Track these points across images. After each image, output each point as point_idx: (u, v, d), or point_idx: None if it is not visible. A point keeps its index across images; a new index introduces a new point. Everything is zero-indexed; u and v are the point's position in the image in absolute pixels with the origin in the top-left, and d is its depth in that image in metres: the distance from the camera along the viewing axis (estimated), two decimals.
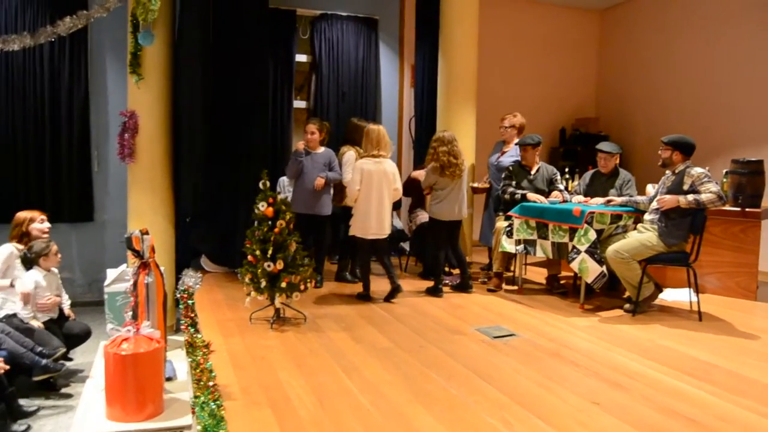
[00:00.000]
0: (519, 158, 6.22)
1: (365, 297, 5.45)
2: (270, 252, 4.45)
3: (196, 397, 2.91)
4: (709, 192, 4.84)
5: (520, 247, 5.70)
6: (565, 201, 5.82)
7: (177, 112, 6.21)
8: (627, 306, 5.26)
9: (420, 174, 6.15)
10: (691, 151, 5.09)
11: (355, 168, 5.34)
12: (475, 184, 7.07)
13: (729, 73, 7.75)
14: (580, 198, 5.77)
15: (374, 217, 5.29)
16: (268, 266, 4.45)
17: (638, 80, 9.16)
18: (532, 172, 6.06)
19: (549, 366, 3.83)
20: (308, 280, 4.60)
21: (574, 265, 5.18)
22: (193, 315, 4.44)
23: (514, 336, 4.44)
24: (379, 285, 5.72)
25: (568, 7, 9.53)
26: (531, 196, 5.83)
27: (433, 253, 5.70)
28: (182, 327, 4.40)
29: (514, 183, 6.08)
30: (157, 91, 6.03)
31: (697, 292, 5.05)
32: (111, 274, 3.66)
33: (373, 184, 5.26)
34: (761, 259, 5.74)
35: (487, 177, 6.95)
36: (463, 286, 5.79)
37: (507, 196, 6.01)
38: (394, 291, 5.38)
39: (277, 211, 4.56)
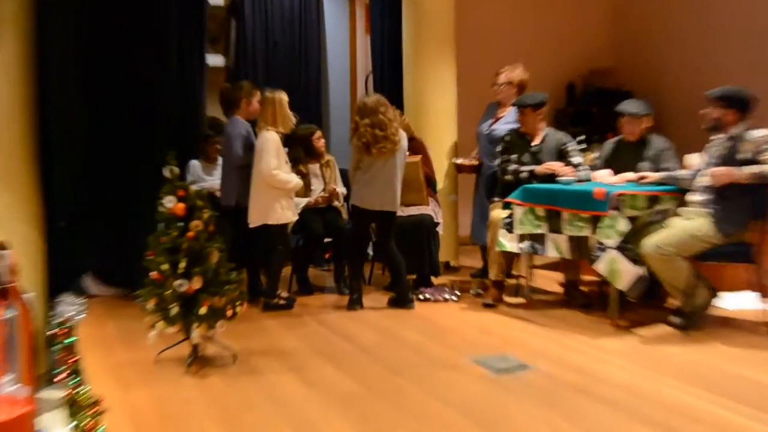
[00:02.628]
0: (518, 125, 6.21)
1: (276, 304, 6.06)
2: (183, 265, 4.37)
3: None
4: None
5: (525, 245, 5.69)
6: (582, 180, 5.80)
7: (43, 76, 6.01)
8: (675, 319, 5.23)
9: None
10: (749, 108, 5.09)
11: None
12: (459, 160, 7.10)
13: None
14: (604, 175, 5.75)
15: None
16: (181, 285, 4.36)
17: (669, 16, 9.18)
18: (535, 142, 6.08)
19: (576, 407, 3.79)
20: (237, 303, 4.58)
21: (601, 267, 5.15)
22: (75, 359, 4.15)
23: (525, 368, 4.43)
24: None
25: None
26: (542, 168, 5.87)
27: (355, 252, 6.06)
28: (59, 377, 4.09)
29: (513, 157, 6.07)
30: (13, 50, 5.80)
31: (765, 296, 5.03)
32: None
33: None
34: None
35: (476, 151, 6.99)
36: (399, 301, 6.00)
37: (509, 177, 6.02)
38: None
39: (191, 208, 4.49)
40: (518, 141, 6.13)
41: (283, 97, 5.92)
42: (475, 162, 6.97)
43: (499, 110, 6.77)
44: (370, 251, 6.98)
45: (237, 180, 6.10)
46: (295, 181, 6.05)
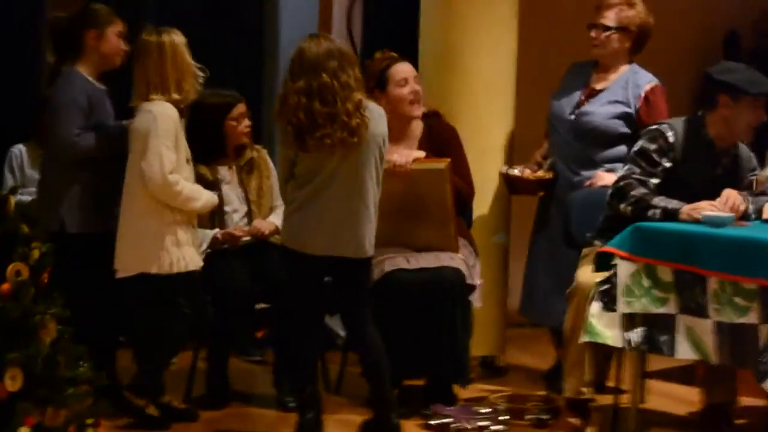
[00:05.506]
0: (632, 106, 6.05)
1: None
2: None
3: None
4: None
5: (637, 335, 5.21)
6: (745, 217, 5.46)
7: None
8: None
9: None
10: None
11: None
12: (516, 171, 6.53)
13: None
14: None
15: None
16: None
17: None
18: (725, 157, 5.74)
19: None
20: (87, 420, 4.13)
21: None
22: None
23: None
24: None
25: None
26: (707, 206, 5.20)
27: (300, 333, 5.62)
28: None
29: (659, 170, 5.41)
30: None
31: None
32: None
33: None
34: None
35: (544, 152, 6.53)
36: (375, 425, 5.59)
37: (630, 206, 5.31)
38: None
39: (10, 237, 4.11)
40: (696, 146, 5.49)
41: (177, 38, 5.47)
42: (544, 174, 6.27)
43: (596, 77, 6.24)
44: (342, 331, 6.51)
45: (63, 185, 5.68)
46: (206, 197, 5.61)
